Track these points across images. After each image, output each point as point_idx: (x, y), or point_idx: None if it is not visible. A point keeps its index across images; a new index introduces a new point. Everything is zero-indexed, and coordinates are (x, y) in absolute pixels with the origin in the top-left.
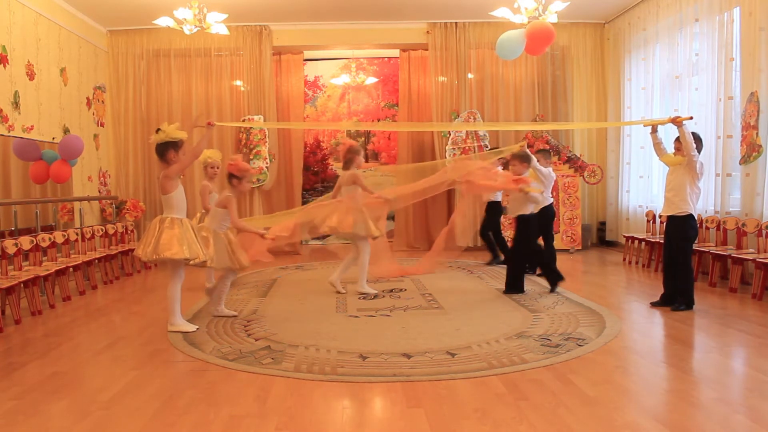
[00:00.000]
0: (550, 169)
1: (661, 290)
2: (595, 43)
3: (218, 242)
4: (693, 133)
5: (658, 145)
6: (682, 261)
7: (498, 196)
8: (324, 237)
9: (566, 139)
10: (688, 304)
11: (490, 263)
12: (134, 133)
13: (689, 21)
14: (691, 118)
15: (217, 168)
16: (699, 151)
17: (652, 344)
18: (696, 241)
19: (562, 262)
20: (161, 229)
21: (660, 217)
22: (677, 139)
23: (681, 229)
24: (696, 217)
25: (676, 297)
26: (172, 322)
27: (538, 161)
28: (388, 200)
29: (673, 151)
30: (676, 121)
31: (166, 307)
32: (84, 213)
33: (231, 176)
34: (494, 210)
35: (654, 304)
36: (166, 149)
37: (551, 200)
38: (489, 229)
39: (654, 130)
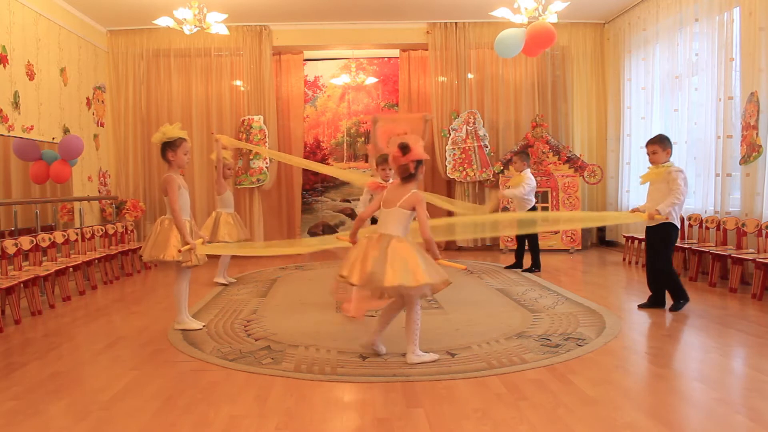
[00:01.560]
0: (528, 171)
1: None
2: (595, 43)
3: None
4: (661, 135)
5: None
6: (663, 267)
7: None
8: None
9: (566, 139)
10: (684, 299)
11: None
12: (134, 133)
13: (689, 21)
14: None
15: (230, 169)
16: (671, 152)
17: (652, 344)
18: (677, 243)
19: (562, 262)
20: (160, 230)
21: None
22: (648, 143)
23: (660, 233)
24: (678, 226)
25: (663, 298)
26: (178, 320)
27: (514, 164)
28: None
29: (648, 165)
30: (653, 218)
31: (172, 306)
32: (84, 213)
33: (415, 165)
34: None
35: (642, 306)
36: (164, 150)
37: (533, 202)
38: None
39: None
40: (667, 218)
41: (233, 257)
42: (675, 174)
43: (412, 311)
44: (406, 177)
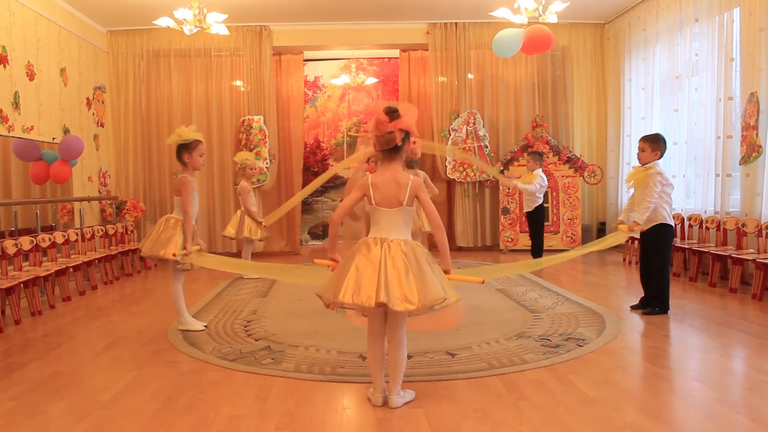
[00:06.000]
0: (540, 170)
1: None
2: (595, 43)
3: None
4: (655, 134)
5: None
6: (658, 268)
7: None
8: None
9: (566, 140)
10: (662, 308)
11: None
12: (134, 134)
13: (689, 21)
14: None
15: (252, 169)
16: (662, 153)
17: (652, 344)
18: (672, 243)
19: (562, 263)
20: (164, 228)
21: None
22: (641, 139)
23: (656, 236)
24: (672, 225)
25: (662, 301)
26: (181, 321)
27: (527, 162)
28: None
29: (637, 158)
30: (633, 230)
31: (172, 306)
32: (84, 213)
33: (403, 137)
34: None
35: (634, 308)
36: (179, 151)
37: (541, 200)
38: None
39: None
40: (643, 228)
41: (252, 255)
42: (651, 177)
43: (403, 342)
44: (390, 150)
